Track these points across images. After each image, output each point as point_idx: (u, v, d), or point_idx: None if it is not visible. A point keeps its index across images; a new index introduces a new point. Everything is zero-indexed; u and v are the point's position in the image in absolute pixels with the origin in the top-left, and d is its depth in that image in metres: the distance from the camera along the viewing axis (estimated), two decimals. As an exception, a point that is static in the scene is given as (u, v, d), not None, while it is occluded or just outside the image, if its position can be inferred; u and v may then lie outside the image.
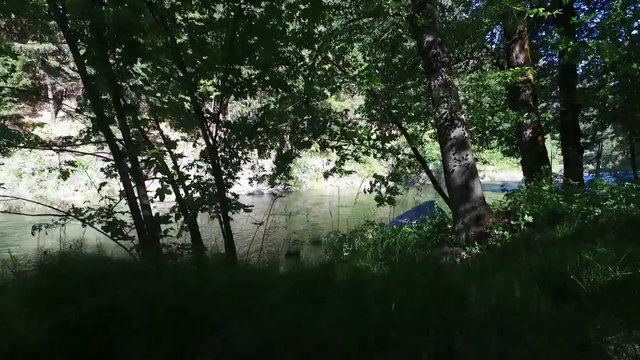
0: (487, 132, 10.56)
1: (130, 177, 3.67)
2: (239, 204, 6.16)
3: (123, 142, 3.73)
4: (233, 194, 6.25)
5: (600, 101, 9.74)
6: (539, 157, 8.10)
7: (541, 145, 8.27)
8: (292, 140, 6.45)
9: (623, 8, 5.88)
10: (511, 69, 6.02)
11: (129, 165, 3.79)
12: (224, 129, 5.76)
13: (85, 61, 3.67)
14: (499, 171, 45.05)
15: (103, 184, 4.08)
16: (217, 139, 5.91)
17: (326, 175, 6.15)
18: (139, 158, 4.37)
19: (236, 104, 32.51)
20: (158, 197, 3.82)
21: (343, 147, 6.05)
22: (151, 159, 3.77)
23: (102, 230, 3.82)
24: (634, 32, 7.10)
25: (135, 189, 3.86)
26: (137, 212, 3.58)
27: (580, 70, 10.71)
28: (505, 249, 4.40)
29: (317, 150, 33.50)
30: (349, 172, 5.75)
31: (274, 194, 6.70)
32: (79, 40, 3.80)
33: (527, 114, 7.68)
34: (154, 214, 4.37)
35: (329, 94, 6.51)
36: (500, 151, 15.07)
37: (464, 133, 5.52)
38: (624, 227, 3.95)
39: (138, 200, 3.71)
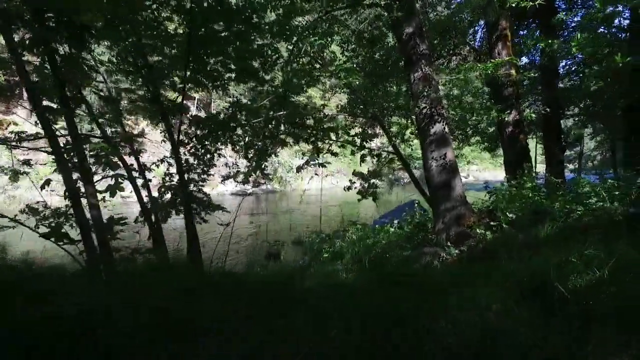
0: (468, 129, 10.41)
1: (77, 173, 3.30)
2: (213, 204, 5.84)
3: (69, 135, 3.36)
4: (204, 193, 5.92)
5: (582, 100, 9.73)
6: (521, 155, 7.97)
7: (523, 143, 8.15)
8: (267, 136, 6.13)
9: (603, 4, 5.76)
10: (492, 61, 5.81)
11: (75, 160, 3.41)
12: (197, 123, 5.41)
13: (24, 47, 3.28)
14: (483, 171, 45.52)
15: (47, 181, 3.68)
16: (184, 133, 5.56)
17: (299, 169, 5.85)
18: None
19: (219, 101, 31.85)
20: (109, 193, 3.46)
21: (318, 140, 5.76)
22: (101, 153, 3.41)
23: (44, 235, 3.43)
24: (613, 30, 7.06)
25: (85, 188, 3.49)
26: (81, 213, 3.21)
27: (562, 70, 10.70)
28: (485, 249, 4.17)
29: (291, 145, 33.06)
30: (323, 165, 5.47)
31: (246, 193, 6.35)
32: (19, 23, 3.41)
33: (508, 110, 7.53)
34: (116, 217, 4.01)
35: (305, 87, 6.24)
36: (481, 148, 14.98)
37: (444, 129, 5.30)
38: (608, 225, 3.77)
39: (85, 200, 3.34)
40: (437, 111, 5.22)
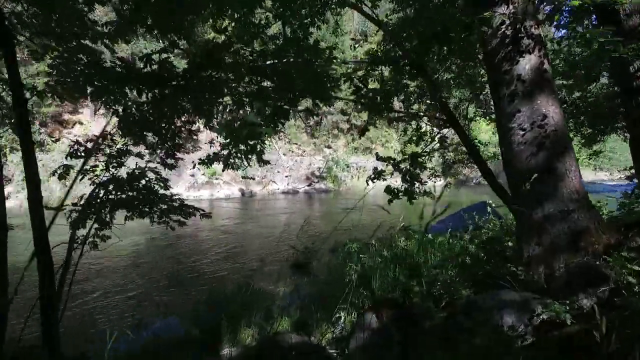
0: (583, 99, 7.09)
1: None
2: (185, 206, 4.02)
3: None
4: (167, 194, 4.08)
5: None
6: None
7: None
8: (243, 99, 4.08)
9: None
10: None
11: None
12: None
13: None
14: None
15: None
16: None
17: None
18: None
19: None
20: None
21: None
22: None
23: None
24: None
25: None
26: None
27: None
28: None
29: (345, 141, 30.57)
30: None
31: (297, 191, 4.44)
32: None
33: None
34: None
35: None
36: (579, 141, 10.91)
37: (543, 65, 2.75)
38: None
39: None
40: (527, 29, 2.71)
